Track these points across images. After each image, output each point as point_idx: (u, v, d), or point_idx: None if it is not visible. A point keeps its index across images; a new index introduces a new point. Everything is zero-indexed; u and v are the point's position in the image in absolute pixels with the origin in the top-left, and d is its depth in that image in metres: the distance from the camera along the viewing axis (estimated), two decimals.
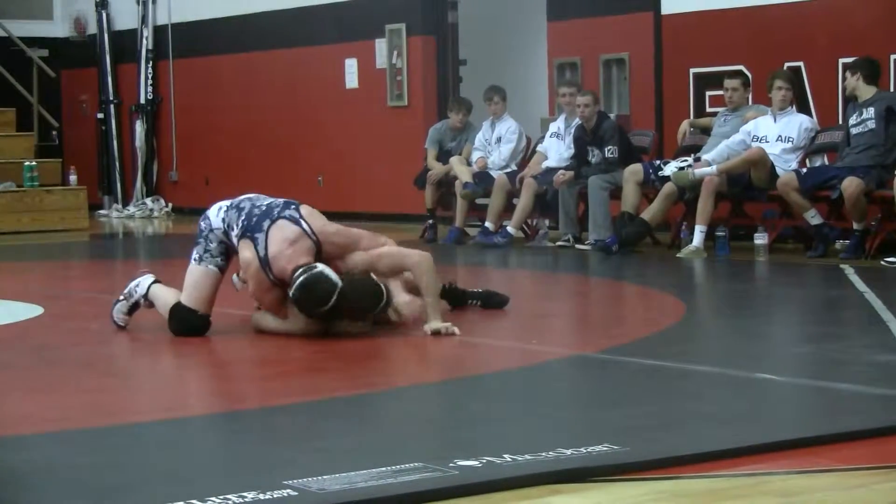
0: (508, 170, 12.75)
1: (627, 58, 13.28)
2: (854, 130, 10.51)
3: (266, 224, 6.80)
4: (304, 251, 6.73)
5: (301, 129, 16.82)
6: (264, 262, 6.75)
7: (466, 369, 6.33)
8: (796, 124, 10.96)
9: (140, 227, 17.01)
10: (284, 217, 6.82)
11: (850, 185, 10.20)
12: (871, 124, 10.41)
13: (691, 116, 12.27)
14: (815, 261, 10.30)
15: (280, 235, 6.76)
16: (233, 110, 17.65)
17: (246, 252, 6.80)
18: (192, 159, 18.50)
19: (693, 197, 11.08)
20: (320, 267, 6.63)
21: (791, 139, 10.93)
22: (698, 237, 10.84)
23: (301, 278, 6.58)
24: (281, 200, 6.98)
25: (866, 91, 10.51)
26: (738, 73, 11.64)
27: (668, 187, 11.17)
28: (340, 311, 6.64)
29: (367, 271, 6.76)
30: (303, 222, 6.82)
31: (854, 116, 10.53)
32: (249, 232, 6.81)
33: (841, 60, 11.08)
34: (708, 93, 12.32)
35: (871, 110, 10.42)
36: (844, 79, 10.73)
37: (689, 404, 5.14)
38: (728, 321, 7.82)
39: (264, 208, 6.90)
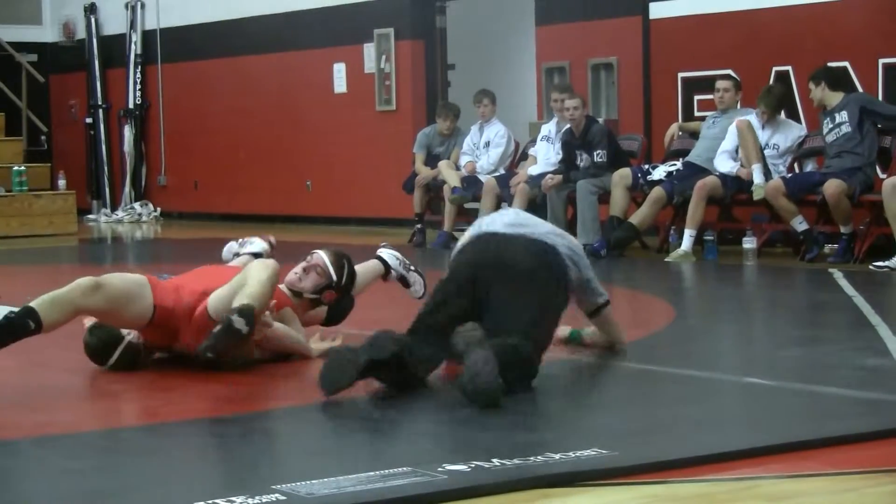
0: (497, 174, 12.75)
1: (616, 62, 13.27)
2: (829, 138, 10.57)
3: None
4: None
5: (289, 134, 16.81)
6: None
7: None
8: (784, 134, 10.98)
9: (129, 232, 16.98)
10: None
11: (831, 187, 10.24)
12: (846, 128, 10.45)
13: (680, 121, 12.27)
14: (803, 265, 10.31)
15: None
16: (221, 115, 17.63)
17: None
18: (180, 164, 18.47)
19: (682, 201, 11.09)
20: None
21: (777, 146, 10.97)
22: (687, 241, 10.85)
23: None
24: None
25: (834, 97, 10.56)
26: (730, 76, 11.66)
27: (656, 192, 11.17)
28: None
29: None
30: None
31: (826, 123, 10.57)
32: None
33: (829, 65, 11.08)
34: (696, 97, 12.32)
35: (844, 114, 10.47)
36: (808, 91, 10.77)
37: (678, 408, 5.14)
38: (717, 325, 7.83)
39: None
